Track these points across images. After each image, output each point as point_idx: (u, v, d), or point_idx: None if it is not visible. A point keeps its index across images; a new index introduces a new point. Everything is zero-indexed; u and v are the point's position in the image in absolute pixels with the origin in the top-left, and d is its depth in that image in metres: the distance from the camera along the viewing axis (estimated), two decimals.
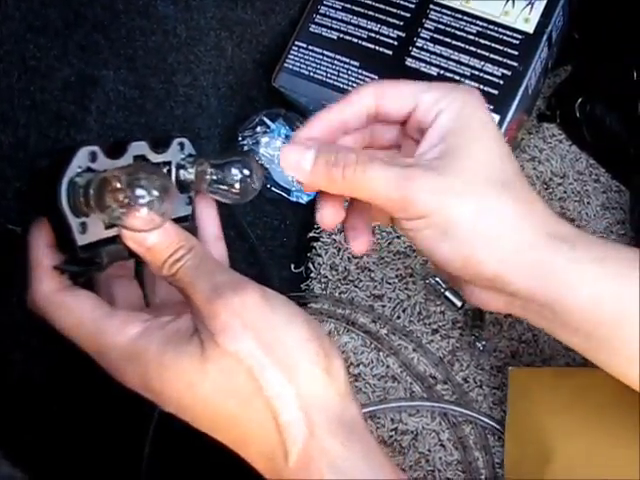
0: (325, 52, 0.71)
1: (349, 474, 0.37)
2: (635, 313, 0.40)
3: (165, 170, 0.46)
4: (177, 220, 0.45)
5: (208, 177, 0.45)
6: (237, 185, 0.45)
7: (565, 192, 0.72)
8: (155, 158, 0.45)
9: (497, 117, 0.65)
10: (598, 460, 0.56)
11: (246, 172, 0.45)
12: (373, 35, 0.70)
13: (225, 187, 0.45)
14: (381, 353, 0.69)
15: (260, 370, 0.38)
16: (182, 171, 0.46)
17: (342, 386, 0.40)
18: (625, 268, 0.41)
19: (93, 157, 0.41)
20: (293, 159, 0.43)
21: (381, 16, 0.70)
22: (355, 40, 0.70)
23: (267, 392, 0.38)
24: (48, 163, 0.41)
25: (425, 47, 0.68)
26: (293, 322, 0.40)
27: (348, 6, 0.71)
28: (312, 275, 0.72)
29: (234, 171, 0.45)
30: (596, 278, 0.41)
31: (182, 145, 0.46)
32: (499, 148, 0.43)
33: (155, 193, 0.38)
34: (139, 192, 0.38)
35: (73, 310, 0.42)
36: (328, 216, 0.46)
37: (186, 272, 0.41)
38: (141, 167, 0.40)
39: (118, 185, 0.38)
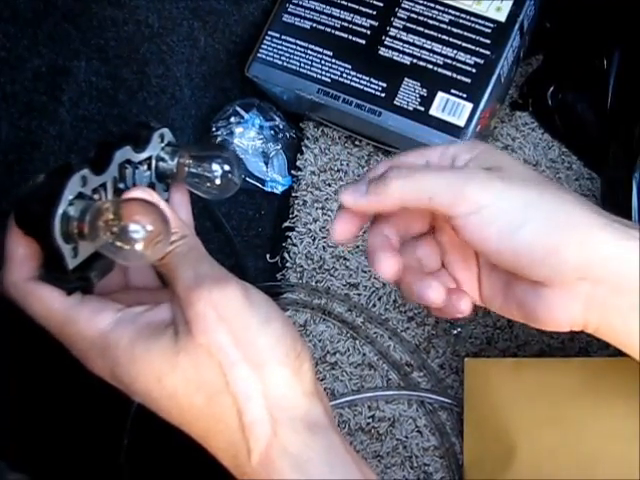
0: (298, 42, 0.71)
1: (311, 474, 0.38)
2: None
3: (146, 165, 0.45)
4: None
5: (187, 170, 0.45)
6: (217, 181, 0.45)
7: None
8: (138, 158, 0.44)
9: (470, 105, 0.65)
10: (563, 453, 0.57)
11: (227, 168, 0.45)
12: (346, 25, 0.70)
13: (205, 182, 0.45)
14: (357, 342, 0.69)
15: (229, 365, 0.39)
16: (161, 163, 0.46)
17: (309, 387, 0.40)
18: None
19: (84, 182, 0.40)
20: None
21: (354, 5, 0.70)
22: (328, 30, 0.70)
23: (234, 388, 0.39)
24: (39, 190, 0.40)
25: (398, 36, 0.68)
26: (269, 322, 0.40)
27: None
28: (288, 265, 0.72)
29: (215, 166, 0.45)
30: None
31: (162, 136, 0.46)
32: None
33: (149, 228, 0.38)
34: (133, 227, 0.38)
35: (43, 298, 0.42)
36: (347, 232, 0.46)
37: (173, 258, 0.41)
38: (135, 201, 0.40)
39: (112, 219, 0.38)
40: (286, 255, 0.72)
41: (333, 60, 0.70)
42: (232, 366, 0.39)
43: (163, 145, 0.46)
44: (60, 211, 0.39)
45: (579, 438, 0.56)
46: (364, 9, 0.70)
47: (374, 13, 0.69)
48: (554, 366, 0.61)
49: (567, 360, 0.63)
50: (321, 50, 0.70)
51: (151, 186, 0.46)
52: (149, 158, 0.45)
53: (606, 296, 0.41)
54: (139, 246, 0.38)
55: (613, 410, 0.55)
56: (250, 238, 0.74)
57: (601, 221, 0.41)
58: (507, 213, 0.41)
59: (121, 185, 0.43)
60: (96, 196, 0.41)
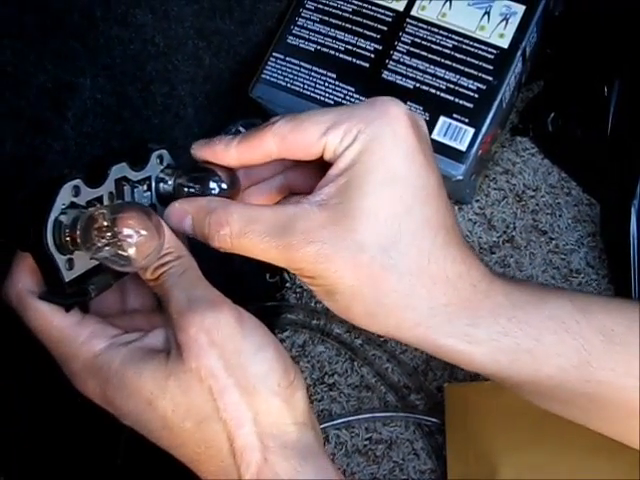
0: (302, 64, 0.71)
1: None
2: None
3: (145, 186, 0.45)
4: None
5: (186, 190, 0.45)
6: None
7: (537, 205, 0.73)
8: (135, 176, 0.44)
9: (472, 130, 0.66)
10: (544, 470, 0.57)
11: (224, 186, 0.45)
12: (350, 48, 0.70)
13: None
14: (355, 363, 0.69)
15: (220, 391, 0.39)
16: (162, 184, 0.46)
17: (300, 416, 0.40)
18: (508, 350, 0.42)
19: (76, 191, 0.40)
20: (175, 223, 0.44)
21: (358, 29, 0.71)
22: (332, 52, 0.71)
23: (224, 414, 0.39)
24: (30, 199, 0.40)
25: (401, 60, 0.69)
26: (262, 350, 0.40)
27: (326, 19, 0.72)
28: (287, 285, 0.72)
29: (212, 184, 0.44)
30: (482, 360, 0.43)
31: (161, 157, 0.46)
32: (407, 197, 0.41)
33: (144, 233, 0.38)
34: (127, 232, 0.38)
35: (44, 314, 0.42)
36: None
37: (167, 278, 0.41)
38: (128, 206, 0.40)
39: (105, 225, 0.38)
40: (285, 275, 0.72)
41: (337, 82, 0.70)
42: (223, 391, 0.39)
43: (162, 167, 0.46)
44: (52, 217, 0.39)
45: (560, 454, 0.57)
46: (368, 33, 0.70)
47: (378, 37, 0.70)
48: None
49: None
50: (325, 72, 0.71)
51: (152, 207, 0.46)
52: (148, 179, 0.45)
53: None
54: (132, 250, 0.38)
55: None
56: (249, 258, 0.74)
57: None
58: (336, 293, 0.42)
59: (119, 202, 0.44)
60: (91, 209, 0.41)
